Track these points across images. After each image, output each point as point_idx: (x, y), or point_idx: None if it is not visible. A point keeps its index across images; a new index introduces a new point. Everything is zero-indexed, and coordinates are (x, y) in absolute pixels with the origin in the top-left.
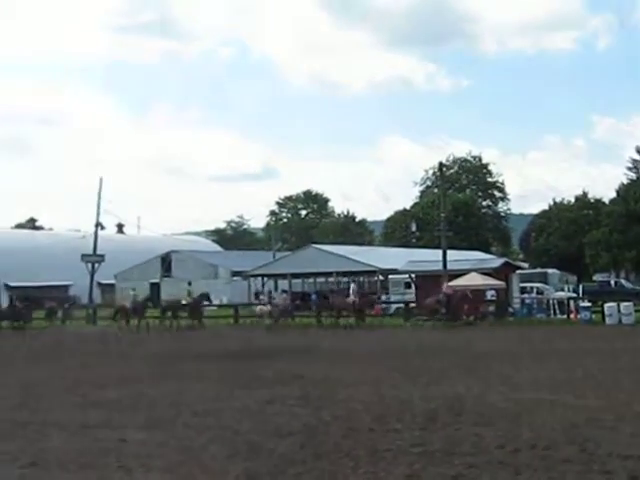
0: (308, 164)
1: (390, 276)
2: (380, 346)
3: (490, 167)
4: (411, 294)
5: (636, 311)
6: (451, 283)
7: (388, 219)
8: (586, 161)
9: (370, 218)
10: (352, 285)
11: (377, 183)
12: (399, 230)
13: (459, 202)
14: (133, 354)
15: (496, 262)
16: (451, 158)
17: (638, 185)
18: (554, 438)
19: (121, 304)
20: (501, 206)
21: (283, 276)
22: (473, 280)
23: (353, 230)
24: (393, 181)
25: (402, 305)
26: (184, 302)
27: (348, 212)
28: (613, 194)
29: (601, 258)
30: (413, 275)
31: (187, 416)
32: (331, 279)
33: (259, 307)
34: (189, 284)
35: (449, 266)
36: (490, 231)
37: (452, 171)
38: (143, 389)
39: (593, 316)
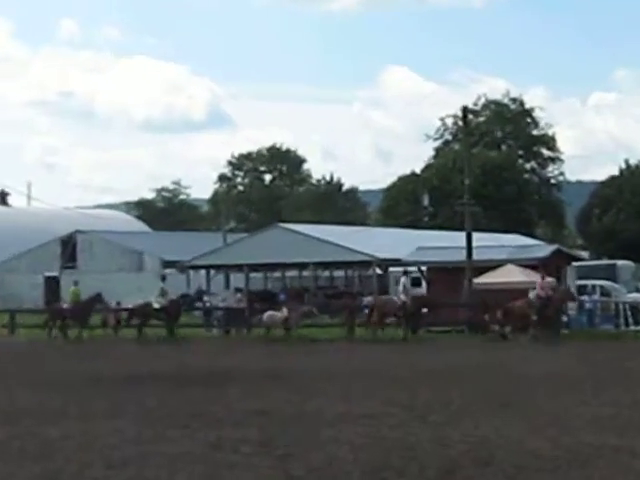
0: (275, 108)
1: (391, 269)
2: (376, 368)
3: (536, 115)
4: (421, 294)
5: None
6: (479, 280)
7: (389, 188)
8: None
9: (363, 186)
10: (402, 279)
11: (373, 136)
12: (404, 204)
13: (491, 164)
14: (29, 378)
15: (543, 250)
16: (480, 101)
17: None
18: None
19: (56, 306)
20: (551, 170)
21: (238, 268)
22: (510, 275)
23: (339, 203)
24: (396, 133)
25: None
26: (157, 305)
27: (332, 177)
28: None
29: None
30: (424, 267)
31: (98, 467)
32: (306, 273)
33: (267, 313)
34: (163, 279)
35: (476, 255)
36: (535, 206)
37: (481, 120)
38: (38, 428)
39: None
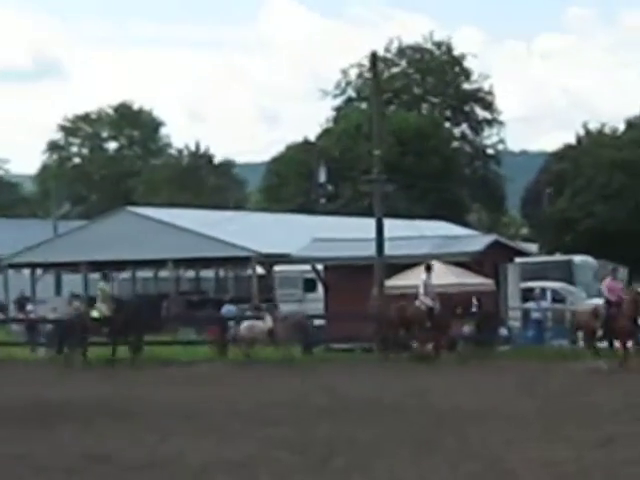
0: (121, 54)
1: (277, 268)
2: (257, 399)
3: (467, 63)
4: (316, 301)
5: None
6: (393, 282)
7: (274, 160)
8: None
9: (241, 158)
10: (423, 276)
11: (253, 92)
12: (295, 181)
13: (409, 128)
14: None
15: (477, 242)
16: (394, 46)
17: None
18: None
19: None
20: (488, 136)
21: (73, 267)
22: (434, 276)
23: (207, 180)
24: (284, 89)
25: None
26: (96, 314)
27: (198, 146)
28: None
29: None
30: (320, 266)
31: None
32: (165, 272)
33: (246, 324)
34: (104, 277)
35: (389, 249)
36: (468, 183)
37: (396, 70)
38: None
39: None
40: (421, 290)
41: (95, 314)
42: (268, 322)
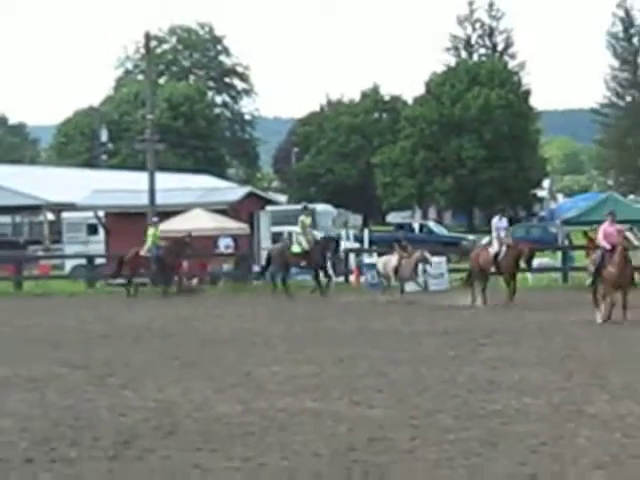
0: None
1: (64, 214)
2: (47, 327)
3: (227, 42)
4: (98, 242)
5: (453, 270)
6: (163, 226)
7: (63, 123)
8: (378, 39)
9: (33, 122)
10: (495, 219)
11: (44, 60)
12: (81, 140)
13: (179, 96)
14: None
15: (234, 193)
16: (166, 27)
17: (458, 73)
18: (317, 469)
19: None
20: (246, 104)
21: None
22: (198, 221)
23: (4, 139)
24: (73, 62)
25: (84, 261)
26: (297, 249)
27: None
28: (419, 90)
29: (400, 188)
30: (101, 212)
31: None
32: None
33: (385, 258)
34: (304, 209)
35: (160, 199)
36: (228, 144)
37: (167, 47)
38: None
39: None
40: (494, 233)
41: (296, 249)
42: (394, 259)
